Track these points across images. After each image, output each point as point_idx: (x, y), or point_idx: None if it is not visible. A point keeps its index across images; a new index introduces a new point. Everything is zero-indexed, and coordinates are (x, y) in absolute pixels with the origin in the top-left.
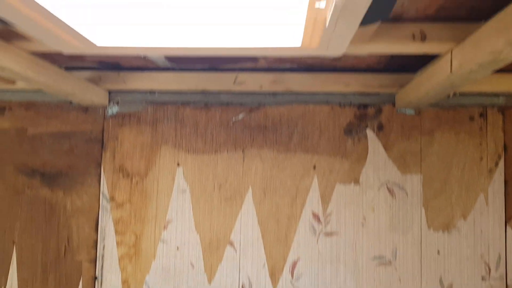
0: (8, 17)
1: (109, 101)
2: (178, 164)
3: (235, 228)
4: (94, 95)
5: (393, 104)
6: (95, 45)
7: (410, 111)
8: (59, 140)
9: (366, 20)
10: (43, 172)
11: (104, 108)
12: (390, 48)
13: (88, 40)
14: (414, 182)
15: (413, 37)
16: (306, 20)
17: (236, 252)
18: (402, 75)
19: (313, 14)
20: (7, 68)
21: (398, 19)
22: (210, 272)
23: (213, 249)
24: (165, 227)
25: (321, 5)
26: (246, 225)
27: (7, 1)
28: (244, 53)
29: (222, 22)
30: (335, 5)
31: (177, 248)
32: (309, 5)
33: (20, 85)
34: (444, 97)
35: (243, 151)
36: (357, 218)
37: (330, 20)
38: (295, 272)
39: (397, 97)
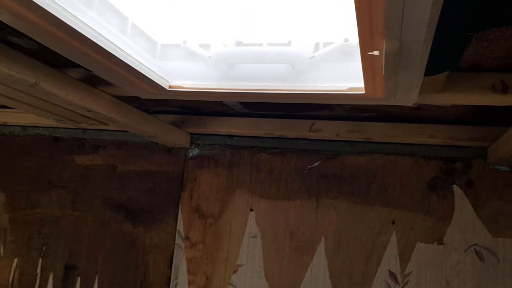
0: (86, 65)
1: (191, 144)
2: (251, 209)
3: (305, 279)
4: (176, 138)
5: (485, 159)
6: (166, 90)
7: (504, 168)
8: (143, 178)
9: (432, 70)
10: (127, 208)
11: (186, 150)
12: (468, 99)
13: (161, 86)
14: (507, 247)
15: (493, 87)
16: (362, 66)
17: None
18: (495, 128)
19: (368, 60)
20: (92, 109)
21: (476, 69)
22: None
23: None
24: (235, 272)
25: (374, 52)
26: (317, 278)
27: (84, 52)
28: (307, 99)
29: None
30: (386, 53)
31: None
32: (361, 51)
33: (113, 126)
34: None
35: (317, 200)
36: (439, 281)
37: (386, 68)
38: None
39: (489, 151)
